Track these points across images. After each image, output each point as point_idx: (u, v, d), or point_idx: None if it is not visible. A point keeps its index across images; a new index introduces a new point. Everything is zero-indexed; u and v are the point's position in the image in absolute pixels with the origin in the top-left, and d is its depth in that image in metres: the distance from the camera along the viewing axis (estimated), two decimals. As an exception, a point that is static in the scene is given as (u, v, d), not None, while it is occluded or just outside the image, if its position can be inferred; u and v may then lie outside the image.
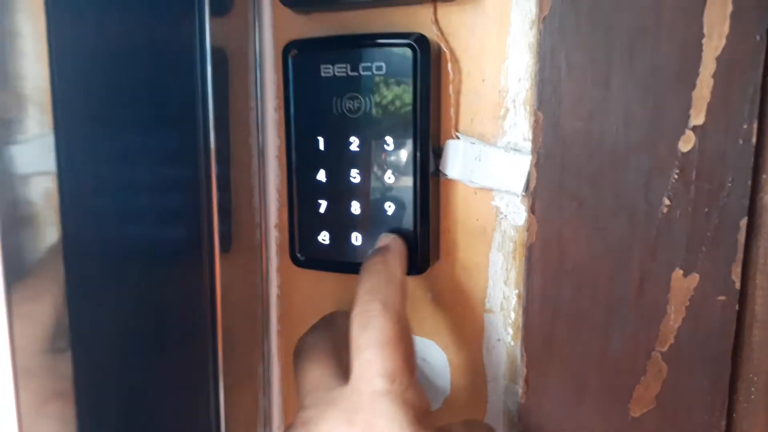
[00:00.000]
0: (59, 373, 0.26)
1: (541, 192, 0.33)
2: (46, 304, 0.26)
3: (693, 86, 0.30)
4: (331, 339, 0.34)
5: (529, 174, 0.34)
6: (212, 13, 0.35)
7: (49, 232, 0.26)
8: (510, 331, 0.38)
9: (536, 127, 0.33)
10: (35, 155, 0.25)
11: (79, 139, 0.27)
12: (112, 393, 0.30)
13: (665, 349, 0.33)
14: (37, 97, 0.25)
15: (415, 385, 0.29)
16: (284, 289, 0.43)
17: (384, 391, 0.28)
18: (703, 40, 0.30)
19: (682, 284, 0.32)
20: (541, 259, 0.34)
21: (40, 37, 0.26)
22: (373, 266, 0.33)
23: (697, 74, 0.30)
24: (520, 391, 0.36)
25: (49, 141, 0.26)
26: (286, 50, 0.37)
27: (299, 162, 0.38)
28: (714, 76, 0.30)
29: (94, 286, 0.28)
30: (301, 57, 0.37)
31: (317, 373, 0.32)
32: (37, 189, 0.26)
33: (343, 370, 0.31)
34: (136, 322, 0.32)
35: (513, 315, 0.37)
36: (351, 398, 0.28)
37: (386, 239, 0.35)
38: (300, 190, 0.38)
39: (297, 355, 0.34)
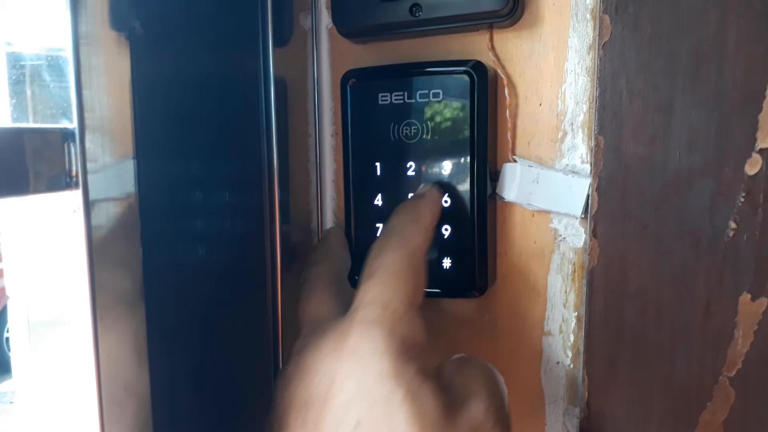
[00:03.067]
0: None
1: (603, 216, 0.33)
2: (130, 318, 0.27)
3: (759, 109, 0.30)
4: (330, 272, 0.35)
5: (588, 196, 0.34)
6: (274, 45, 0.36)
7: (133, 254, 0.27)
8: (569, 353, 0.37)
9: (597, 152, 0.33)
10: (122, 182, 0.27)
11: (157, 166, 0.29)
12: (185, 404, 0.31)
13: (733, 374, 0.32)
14: (125, 130, 0.26)
15: (412, 318, 0.29)
16: (341, 311, 0.44)
17: (375, 318, 0.28)
18: (769, 63, 0.30)
19: (750, 309, 0.32)
20: (604, 283, 0.34)
21: (106, 70, 0.27)
22: (402, 208, 0.34)
23: (764, 97, 0.30)
24: (581, 414, 0.36)
25: (115, 169, 0.27)
26: (345, 79, 0.38)
27: (357, 187, 0.38)
28: (781, 98, 0.30)
29: (169, 304, 0.30)
30: (359, 85, 0.38)
31: (316, 305, 0.32)
32: (102, 214, 0.27)
33: (343, 303, 0.31)
34: (205, 342, 0.33)
35: (572, 337, 0.37)
36: (342, 326, 0.28)
37: (424, 188, 0.36)
38: (357, 215, 0.39)
39: (299, 291, 0.35)
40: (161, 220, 0.29)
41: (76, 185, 0.23)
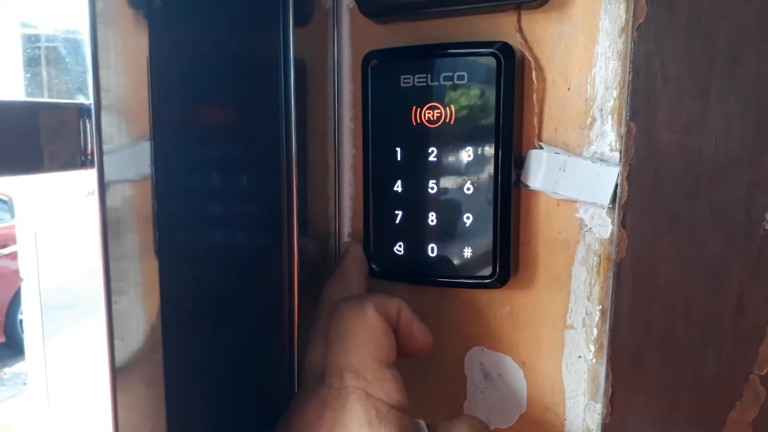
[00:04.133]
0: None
1: (633, 206, 0.32)
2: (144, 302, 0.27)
3: (802, 96, 0.29)
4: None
5: (616, 185, 0.33)
6: (295, 24, 0.35)
7: (146, 238, 0.27)
8: (592, 348, 0.36)
9: (628, 139, 0.32)
10: (139, 163, 0.26)
11: (174, 147, 0.28)
12: (199, 388, 0.31)
13: (764, 372, 0.31)
14: (142, 109, 0.25)
15: (382, 380, 0.30)
16: (357, 299, 0.43)
17: (349, 387, 0.30)
18: (814, 48, 0.28)
19: (785, 305, 0.30)
20: (632, 276, 0.33)
21: (122, 50, 0.26)
22: (335, 273, 0.37)
23: (806, 83, 0.29)
24: (604, 410, 0.35)
25: (131, 150, 0.27)
26: (366, 60, 0.37)
27: (376, 172, 0.37)
28: (825, 85, 0.28)
29: (184, 287, 0.29)
30: (380, 67, 0.36)
31: (315, 357, 0.33)
32: (118, 196, 0.26)
33: None
34: (221, 324, 0.32)
35: (596, 332, 0.36)
36: (323, 392, 0.30)
37: (344, 246, 0.39)
38: (376, 201, 0.38)
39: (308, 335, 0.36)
40: (177, 204, 0.28)
41: (92, 164, 0.22)
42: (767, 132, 0.30)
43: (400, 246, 0.38)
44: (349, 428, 0.29)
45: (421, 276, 0.38)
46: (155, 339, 0.26)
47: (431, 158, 0.36)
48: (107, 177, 0.23)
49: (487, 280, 0.36)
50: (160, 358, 0.27)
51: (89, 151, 0.22)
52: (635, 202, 0.32)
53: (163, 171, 0.26)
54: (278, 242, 0.34)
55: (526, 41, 0.35)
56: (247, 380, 0.34)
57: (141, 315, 0.26)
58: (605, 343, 0.35)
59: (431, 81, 0.35)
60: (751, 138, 0.30)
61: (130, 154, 0.25)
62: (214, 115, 0.30)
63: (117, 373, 0.24)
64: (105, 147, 0.22)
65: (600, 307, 0.36)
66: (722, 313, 0.32)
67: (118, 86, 0.25)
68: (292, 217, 0.35)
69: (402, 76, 0.36)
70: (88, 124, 0.22)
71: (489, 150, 0.35)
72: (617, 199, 0.33)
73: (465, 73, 0.35)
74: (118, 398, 0.24)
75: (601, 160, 0.34)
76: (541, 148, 0.36)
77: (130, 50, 0.25)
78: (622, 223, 0.33)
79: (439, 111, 0.36)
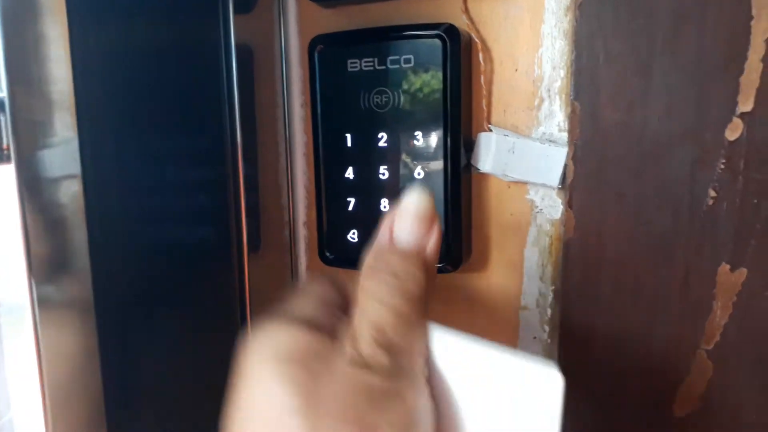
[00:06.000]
0: (86, 380, 0.26)
1: (579, 185, 0.32)
2: (74, 309, 0.26)
3: (741, 71, 0.29)
4: None
5: (565, 166, 0.33)
6: (236, 11, 0.34)
7: (78, 236, 0.26)
8: (547, 328, 0.37)
9: (573, 118, 0.32)
10: (64, 159, 0.25)
11: (104, 141, 0.27)
12: (142, 394, 0.30)
13: (711, 347, 0.32)
14: (64, 101, 0.24)
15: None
16: (314, 288, 0.42)
17: None
18: (752, 22, 0.28)
19: (729, 279, 0.31)
20: (579, 255, 0.33)
21: (65, 41, 0.25)
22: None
23: (745, 58, 0.29)
24: (559, 390, 0.35)
25: (57, 145, 0.26)
26: (312, 45, 0.36)
27: (327, 159, 0.37)
28: (763, 59, 0.28)
29: (122, 289, 0.28)
30: (327, 52, 0.36)
31: None
32: (66, 192, 0.25)
33: None
34: (166, 322, 0.32)
35: (550, 312, 0.36)
36: None
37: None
38: (328, 188, 0.37)
39: None
40: (110, 199, 0.27)
41: (8, 159, 0.21)
42: (709, 108, 0.30)
43: (354, 233, 0.37)
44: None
45: (377, 262, 0.37)
46: (90, 344, 0.25)
47: (381, 143, 0.36)
48: (29, 173, 0.22)
49: (439, 265, 0.36)
50: (97, 363, 0.26)
51: (5, 146, 0.21)
52: (581, 182, 0.32)
53: (93, 166, 0.25)
54: (226, 234, 0.34)
55: (472, 22, 0.35)
56: (197, 380, 0.34)
57: (74, 319, 0.26)
58: (559, 323, 0.35)
59: (378, 65, 0.35)
60: (693, 114, 0.30)
61: (55, 149, 0.25)
62: (150, 107, 0.29)
63: (46, 381, 0.24)
64: (24, 140, 0.22)
65: (553, 287, 0.36)
66: (669, 290, 0.32)
67: (39, 78, 0.24)
68: (240, 207, 0.34)
69: (349, 61, 0.35)
70: (1, 118, 0.21)
71: (438, 134, 0.34)
72: (566, 180, 0.33)
73: (411, 56, 0.34)
74: (49, 407, 0.24)
75: (550, 140, 0.34)
76: (491, 130, 0.35)
77: (49, 38, 0.24)
78: (569, 203, 0.33)
79: (387, 95, 0.35)
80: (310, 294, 0.25)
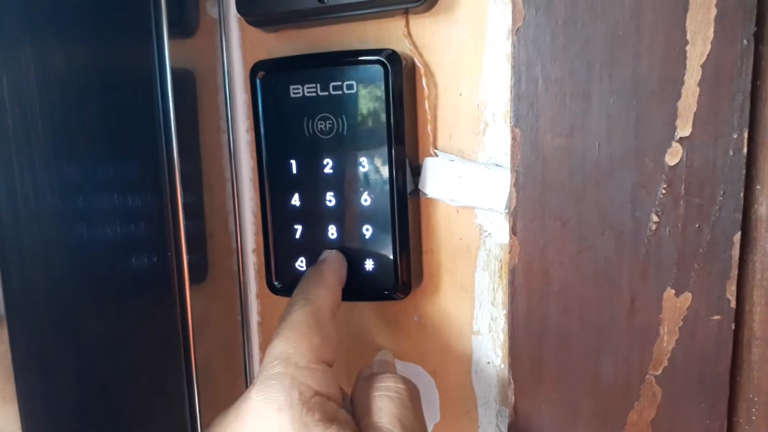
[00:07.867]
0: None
1: (522, 212, 0.32)
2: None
3: (678, 96, 0.29)
4: None
5: (510, 191, 0.33)
6: (174, 35, 0.33)
7: None
8: (500, 353, 0.36)
9: (514, 145, 0.31)
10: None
11: (29, 170, 0.26)
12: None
13: (659, 372, 0.31)
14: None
15: (314, 369, 0.28)
16: (264, 316, 0.41)
17: (276, 373, 0.27)
18: (687, 47, 0.28)
19: (675, 304, 0.30)
20: (525, 282, 0.32)
21: None
22: (306, 274, 0.34)
23: (682, 83, 0.29)
24: (509, 418, 0.35)
25: None
26: (254, 71, 0.35)
27: (272, 187, 0.36)
28: (700, 84, 0.28)
29: (52, 324, 0.27)
30: (269, 78, 0.35)
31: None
32: None
33: None
34: (102, 359, 0.30)
35: (502, 336, 0.36)
36: (254, 383, 0.28)
37: (324, 254, 0.35)
38: (274, 216, 0.37)
39: None
40: (30, 230, 0.26)
41: None
42: (648, 133, 0.29)
43: (302, 261, 0.37)
44: (267, 417, 0.26)
45: (327, 290, 0.37)
46: (7, 393, 0.24)
47: (327, 170, 0.35)
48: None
49: (389, 292, 0.35)
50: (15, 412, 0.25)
51: None
52: (524, 209, 0.32)
53: (8, 196, 0.24)
54: (165, 265, 0.33)
55: (415, 47, 0.35)
56: (137, 420, 0.32)
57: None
58: (510, 349, 0.35)
59: (321, 91, 0.34)
60: (633, 139, 0.30)
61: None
62: (74, 132, 0.28)
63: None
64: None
65: (505, 311, 0.35)
66: (616, 316, 0.31)
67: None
68: (179, 236, 0.33)
69: (291, 87, 0.35)
70: None
71: (383, 159, 0.34)
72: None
73: (354, 83, 0.34)
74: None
75: (496, 165, 0.34)
76: (437, 155, 0.35)
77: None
78: (513, 230, 0.32)
79: (331, 121, 0.34)
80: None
